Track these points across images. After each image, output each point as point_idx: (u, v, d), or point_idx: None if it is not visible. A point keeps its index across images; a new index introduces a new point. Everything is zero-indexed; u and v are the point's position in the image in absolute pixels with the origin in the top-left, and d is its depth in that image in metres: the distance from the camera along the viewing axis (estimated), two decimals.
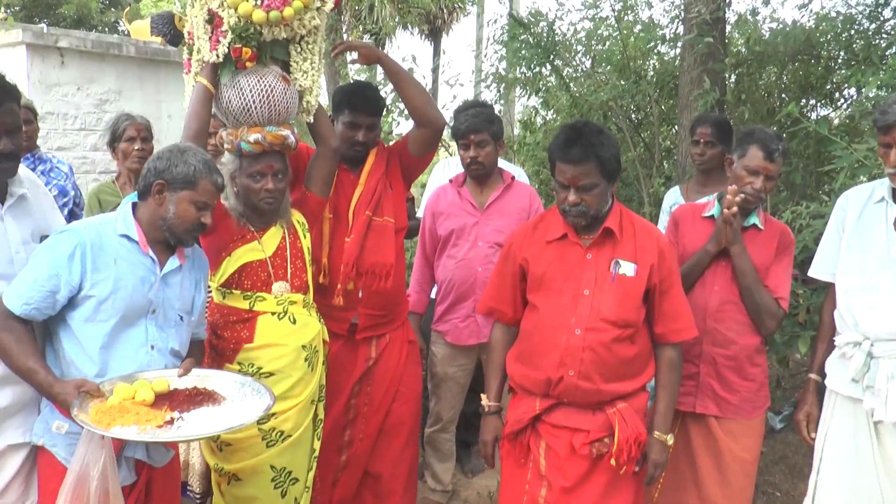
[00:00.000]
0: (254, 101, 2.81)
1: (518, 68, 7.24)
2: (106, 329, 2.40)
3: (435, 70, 20.69)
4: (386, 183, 3.44)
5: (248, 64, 2.77)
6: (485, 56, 8.06)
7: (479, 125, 3.75)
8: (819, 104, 6.38)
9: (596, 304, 2.65)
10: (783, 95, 6.20)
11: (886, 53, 5.36)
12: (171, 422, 2.27)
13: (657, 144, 6.46)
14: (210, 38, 2.76)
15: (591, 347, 2.62)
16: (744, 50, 6.33)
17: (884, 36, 5.51)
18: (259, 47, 2.79)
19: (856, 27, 5.80)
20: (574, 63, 7.33)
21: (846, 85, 5.89)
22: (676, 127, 6.20)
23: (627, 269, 2.67)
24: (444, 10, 23.22)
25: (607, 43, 7.23)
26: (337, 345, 3.28)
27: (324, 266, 3.29)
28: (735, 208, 2.93)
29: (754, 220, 3.12)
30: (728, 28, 6.44)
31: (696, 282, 3.11)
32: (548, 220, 2.84)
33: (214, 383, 2.53)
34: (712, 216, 3.15)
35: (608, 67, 7.15)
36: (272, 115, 2.85)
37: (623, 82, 6.63)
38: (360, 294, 3.33)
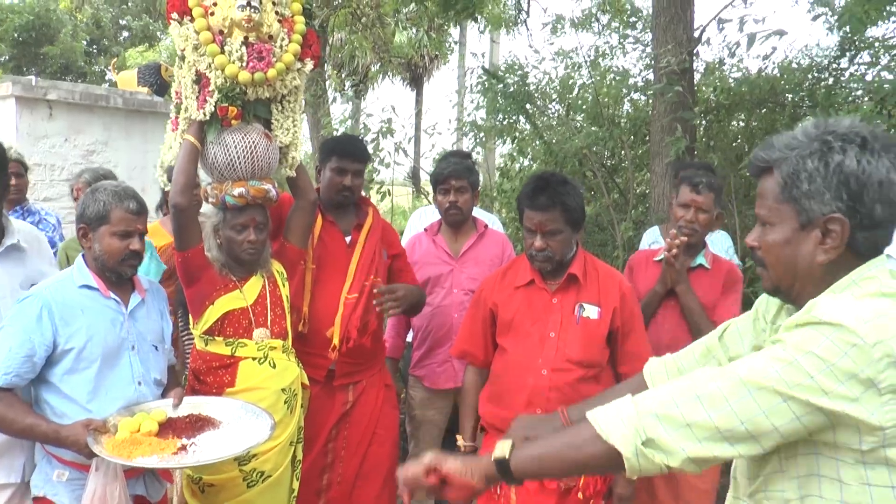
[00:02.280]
0: (238, 157, 2.93)
1: (494, 117, 7.44)
2: (91, 375, 2.50)
3: (418, 115, 21.02)
4: (382, 245, 3.59)
5: (233, 122, 2.91)
6: (462, 105, 8.26)
7: (460, 172, 3.88)
8: None
9: (562, 345, 2.79)
10: (752, 141, 6.41)
11: (847, 100, 5.60)
12: (183, 448, 2.42)
13: (631, 189, 6.65)
14: (197, 97, 2.90)
15: (557, 387, 2.75)
16: (713, 98, 6.55)
17: (842, 85, 5.74)
18: (243, 106, 2.93)
19: (816, 76, 6.05)
20: (549, 111, 7.55)
21: None
22: (649, 173, 6.38)
23: (591, 312, 2.83)
24: (426, 58, 23.55)
25: (580, 91, 7.45)
26: (315, 389, 3.35)
27: (304, 315, 3.38)
28: (675, 251, 3.13)
29: (701, 260, 3.32)
30: (697, 77, 6.69)
31: (650, 321, 3.26)
32: (516, 266, 3.00)
33: (208, 409, 2.69)
34: (662, 260, 3.30)
35: (582, 115, 7.38)
36: (255, 170, 2.98)
37: (596, 129, 6.84)
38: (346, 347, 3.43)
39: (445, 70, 24.26)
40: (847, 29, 5.56)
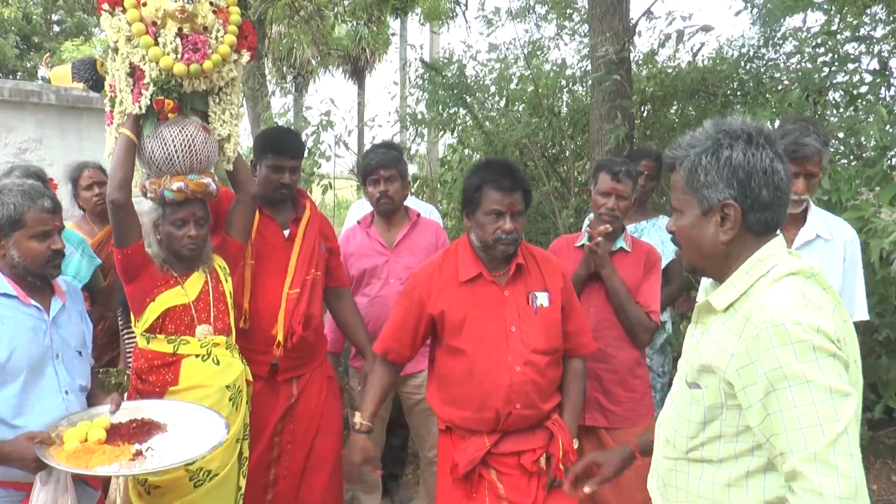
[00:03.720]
0: (176, 151, 2.90)
1: (435, 109, 7.47)
2: (15, 390, 2.39)
3: (360, 108, 20.88)
4: (320, 238, 3.58)
5: (169, 115, 2.87)
6: (404, 97, 8.27)
7: (388, 161, 3.93)
8: None
9: (525, 338, 2.79)
10: (688, 129, 6.55)
11: (776, 89, 5.78)
12: (139, 453, 2.38)
13: (572, 178, 6.76)
14: (132, 90, 2.86)
15: (532, 379, 2.77)
16: (649, 88, 6.69)
17: (769, 75, 5.92)
18: (180, 99, 2.89)
19: (745, 66, 6.23)
20: (489, 103, 7.60)
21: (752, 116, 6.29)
22: (589, 161, 6.50)
23: (543, 299, 2.85)
24: (367, 51, 23.44)
25: (520, 82, 7.53)
26: (258, 385, 3.34)
27: (245, 312, 3.37)
28: (599, 238, 3.20)
29: (621, 243, 3.41)
30: (635, 67, 6.82)
31: None
32: (451, 260, 2.90)
33: (149, 413, 2.66)
34: (583, 245, 3.37)
35: (522, 106, 7.46)
36: (194, 163, 2.95)
37: (536, 119, 6.93)
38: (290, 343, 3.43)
39: (388, 62, 24.11)
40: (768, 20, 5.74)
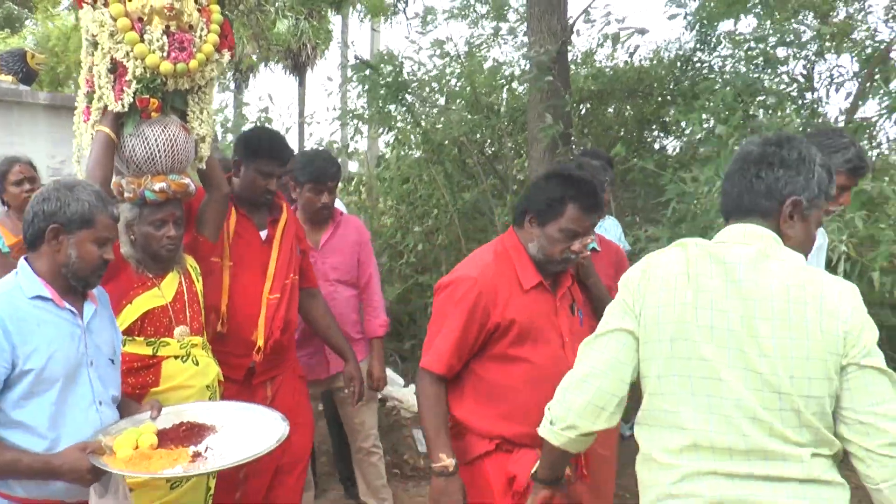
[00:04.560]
0: (159, 151, 2.84)
1: (374, 106, 7.45)
2: (52, 398, 2.24)
3: (301, 104, 20.70)
4: (296, 240, 3.56)
5: (153, 114, 2.82)
6: (345, 94, 8.22)
7: (337, 173, 3.93)
8: (660, 136, 6.91)
9: (575, 349, 2.61)
10: (624, 129, 6.66)
11: (711, 90, 5.89)
12: (198, 455, 2.30)
13: (510, 176, 6.79)
14: (113, 87, 2.78)
15: None
16: (587, 87, 6.76)
17: (704, 76, 6.04)
18: (162, 98, 2.84)
19: (680, 67, 6.35)
20: (429, 100, 7.61)
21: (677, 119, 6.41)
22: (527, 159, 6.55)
23: (579, 311, 2.81)
24: (308, 46, 23.23)
25: (458, 80, 7.55)
26: (234, 388, 3.30)
27: (223, 315, 3.31)
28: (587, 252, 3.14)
29: (593, 244, 3.41)
30: (574, 66, 6.90)
31: None
32: (506, 265, 2.67)
33: (192, 416, 2.58)
34: None
35: (462, 103, 7.47)
36: (175, 163, 2.89)
37: (474, 117, 6.95)
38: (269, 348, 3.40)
39: (329, 58, 23.93)
40: (704, 22, 5.88)
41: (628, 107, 6.64)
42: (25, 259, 2.35)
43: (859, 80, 5.43)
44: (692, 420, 1.83)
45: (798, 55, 5.61)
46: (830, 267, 3.56)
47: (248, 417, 2.64)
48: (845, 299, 1.76)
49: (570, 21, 6.08)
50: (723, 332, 1.80)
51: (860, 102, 5.36)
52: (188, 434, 2.45)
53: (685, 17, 6.28)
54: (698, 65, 6.42)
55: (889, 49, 5.17)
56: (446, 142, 6.79)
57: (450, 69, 7.63)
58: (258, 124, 6.70)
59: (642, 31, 5.76)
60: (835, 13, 6.16)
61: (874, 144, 5.31)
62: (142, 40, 2.73)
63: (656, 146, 6.82)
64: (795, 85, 5.61)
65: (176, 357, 2.94)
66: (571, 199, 2.57)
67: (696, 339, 1.83)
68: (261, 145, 3.44)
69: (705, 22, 6.10)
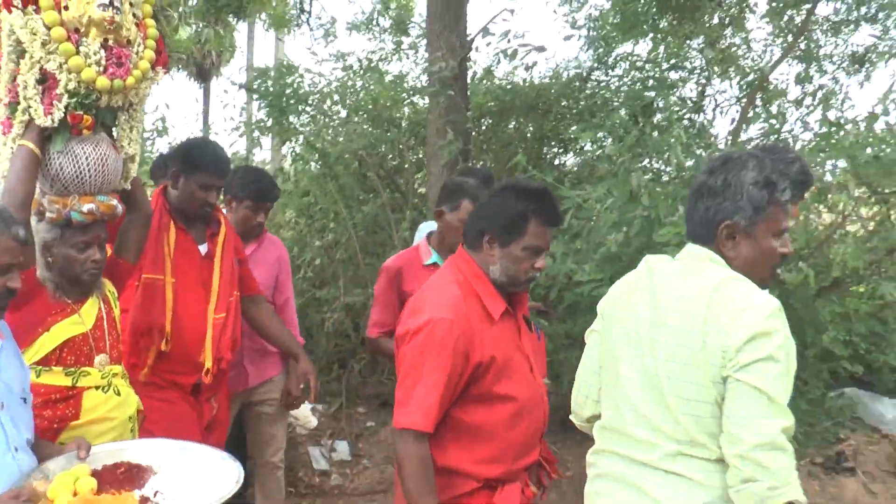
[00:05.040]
0: (89, 170, 2.65)
1: (274, 117, 7.34)
2: None
3: (205, 114, 20.27)
4: (235, 254, 3.46)
5: (84, 131, 2.63)
6: (250, 104, 8.06)
7: (277, 195, 3.93)
8: (560, 151, 7.02)
9: (538, 368, 2.59)
10: (524, 145, 6.73)
11: (608, 109, 6.05)
12: (146, 500, 2.09)
13: (410, 190, 6.78)
14: (42, 100, 2.58)
15: (546, 410, 2.59)
16: (486, 103, 6.82)
17: (602, 97, 6.19)
18: (95, 114, 2.66)
19: (578, 86, 6.49)
20: (329, 113, 7.54)
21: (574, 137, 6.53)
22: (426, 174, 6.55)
23: (536, 327, 2.71)
24: (213, 54, 22.79)
25: (360, 94, 7.52)
26: (181, 405, 3.21)
27: (168, 334, 3.18)
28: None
29: None
30: (475, 82, 6.95)
31: None
32: (471, 296, 2.44)
33: (126, 455, 2.34)
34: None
35: (364, 116, 7.43)
36: (104, 183, 2.71)
37: (375, 131, 6.93)
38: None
39: (234, 66, 23.51)
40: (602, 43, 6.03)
41: (528, 123, 6.72)
42: None
43: (742, 104, 5.65)
44: (604, 406, 2.20)
45: (687, 79, 5.79)
46: None
47: (186, 457, 2.43)
48: (744, 317, 1.87)
49: (470, 38, 6.12)
50: (633, 335, 2.08)
51: (744, 126, 5.57)
52: (128, 476, 2.24)
53: (580, 38, 6.43)
54: (595, 84, 6.56)
55: (768, 75, 5.40)
56: (346, 155, 6.73)
57: (351, 82, 7.59)
58: (155, 133, 6.49)
59: (540, 49, 5.85)
60: (723, 41, 6.41)
61: None
62: (77, 52, 2.55)
63: (556, 162, 6.93)
64: (686, 107, 5.79)
65: (97, 388, 2.76)
66: (533, 213, 2.38)
67: (616, 339, 2.14)
68: (203, 158, 3.32)
69: (602, 43, 6.25)
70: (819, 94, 5.65)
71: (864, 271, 4.83)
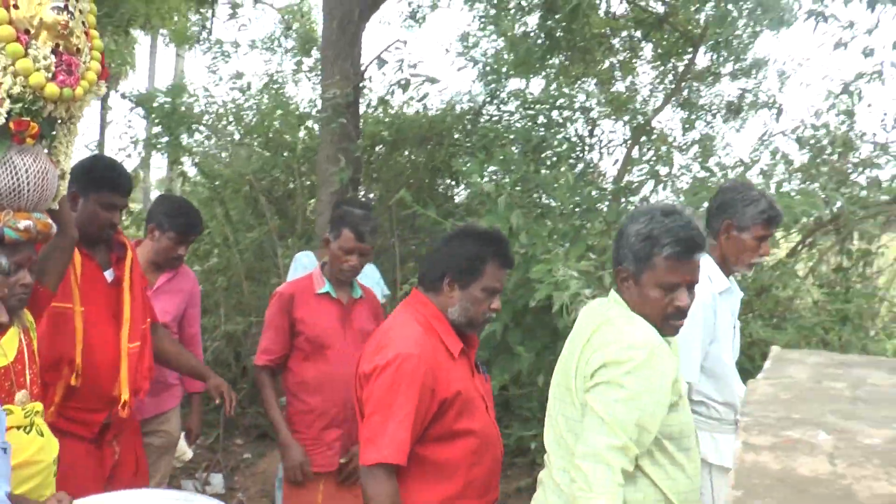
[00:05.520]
0: (28, 184, 2.41)
1: (165, 136, 7.14)
2: None
3: (102, 129, 19.58)
4: (145, 281, 3.31)
5: (27, 140, 2.41)
6: (129, 122, 7.79)
7: (202, 229, 3.90)
8: (452, 184, 7.05)
9: (490, 406, 2.65)
10: (415, 176, 6.72)
11: (499, 144, 6.11)
12: None
13: (301, 216, 6.68)
14: None
15: None
16: (379, 132, 6.81)
17: (495, 131, 6.25)
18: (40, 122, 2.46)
19: (472, 120, 6.55)
20: (223, 133, 7.39)
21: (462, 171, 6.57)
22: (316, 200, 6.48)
23: (483, 368, 2.73)
24: (111, 65, 22.13)
25: (255, 116, 7.40)
26: (82, 449, 2.96)
27: (78, 367, 2.93)
28: None
29: (360, 291, 3.49)
30: (370, 110, 6.93)
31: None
32: (434, 338, 2.51)
33: None
34: (327, 293, 3.39)
35: (258, 138, 7.31)
36: (41, 200, 2.48)
37: (268, 154, 6.82)
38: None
39: (133, 79, 22.85)
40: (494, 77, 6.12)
41: (420, 154, 6.73)
42: None
43: (627, 146, 5.81)
44: None
45: (576, 119, 5.92)
46: None
47: None
48: (605, 349, 2.09)
49: (363, 67, 6.11)
50: (561, 359, 2.30)
51: (628, 167, 5.72)
52: None
53: (474, 67, 6.49)
54: (488, 118, 6.63)
55: (651, 120, 5.56)
56: (236, 178, 6.60)
57: (247, 103, 7.47)
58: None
59: (433, 80, 5.89)
60: (612, 83, 6.60)
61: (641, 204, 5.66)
62: (26, 55, 2.34)
63: (449, 194, 6.95)
64: (575, 146, 5.90)
65: (19, 427, 2.48)
66: (492, 256, 2.50)
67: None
68: (104, 175, 3.13)
69: (495, 78, 6.34)
70: (697, 139, 5.87)
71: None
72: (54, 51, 2.41)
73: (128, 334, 3.08)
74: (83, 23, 2.51)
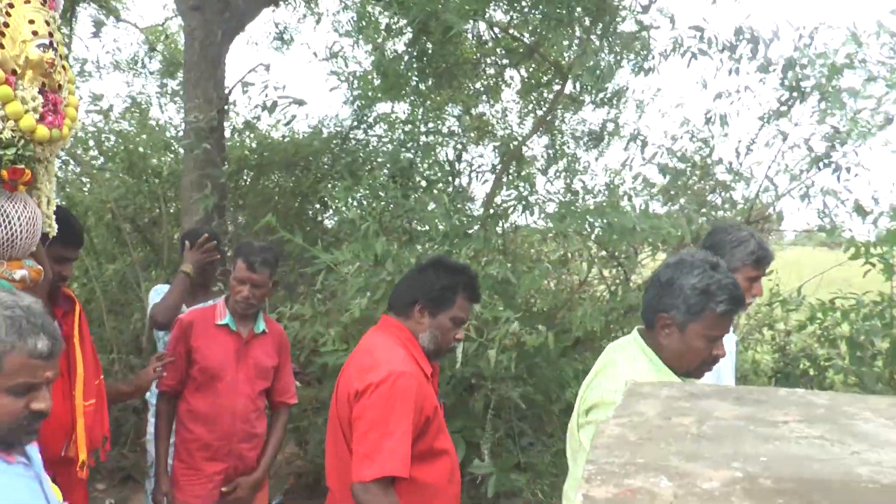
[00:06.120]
0: (21, 232, 2.27)
1: None
2: None
3: None
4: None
5: (20, 188, 2.24)
6: None
7: None
8: (320, 209, 6.92)
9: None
10: (283, 201, 6.58)
11: (367, 169, 6.05)
12: None
13: (168, 245, 6.40)
14: None
15: None
16: (246, 157, 6.64)
17: (363, 155, 6.21)
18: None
19: (340, 145, 6.48)
20: (84, 159, 7.03)
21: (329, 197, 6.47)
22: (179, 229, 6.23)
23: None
24: None
25: (118, 140, 7.08)
26: None
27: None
28: None
29: (263, 326, 3.46)
30: (236, 135, 6.75)
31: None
32: (411, 355, 2.60)
33: None
34: (226, 325, 3.40)
35: (121, 163, 6.99)
36: (29, 247, 2.35)
37: (131, 180, 6.53)
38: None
39: None
40: (359, 104, 6.08)
41: (288, 179, 6.60)
42: None
43: (496, 171, 5.86)
44: None
45: (445, 143, 5.94)
46: None
47: None
48: (599, 383, 2.22)
49: (227, 90, 5.94)
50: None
51: (497, 191, 5.77)
52: None
53: (343, 87, 6.44)
54: (355, 142, 6.58)
55: (521, 146, 5.64)
56: (99, 204, 6.26)
57: (108, 126, 7.13)
58: None
59: (300, 103, 5.78)
60: (480, 109, 6.67)
61: (508, 230, 5.69)
62: (14, 97, 2.17)
63: (319, 219, 6.83)
64: (444, 171, 5.91)
65: None
66: (463, 289, 2.63)
67: None
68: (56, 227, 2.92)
69: (363, 102, 6.29)
70: (562, 165, 5.99)
71: (604, 330, 5.14)
72: (40, 90, 2.28)
73: (82, 391, 2.93)
74: (60, 56, 2.38)
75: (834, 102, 4.79)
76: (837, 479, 0.99)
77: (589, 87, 5.87)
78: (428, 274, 2.70)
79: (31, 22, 2.25)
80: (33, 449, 2.00)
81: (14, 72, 2.26)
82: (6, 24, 2.24)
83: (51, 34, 2.28)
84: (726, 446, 1.17)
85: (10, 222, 2.34)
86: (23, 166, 2.27)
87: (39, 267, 2.47)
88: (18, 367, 1.75)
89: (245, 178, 6.58)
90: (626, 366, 2.23)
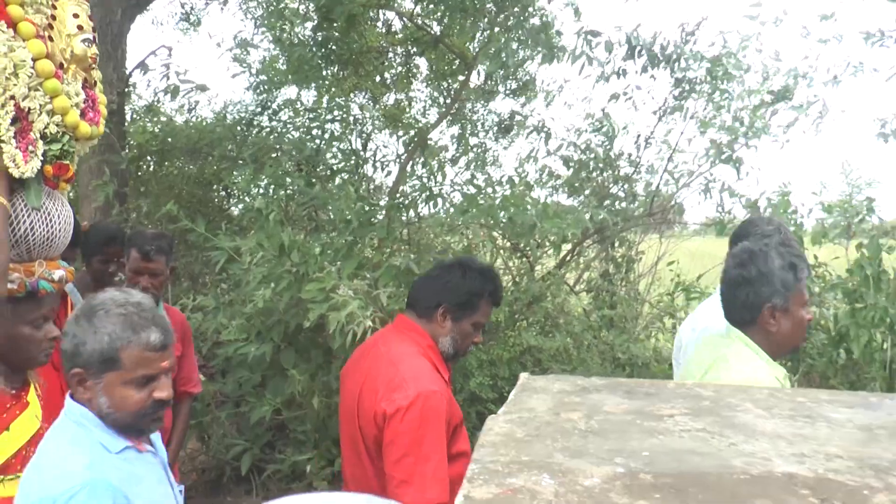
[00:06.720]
0: (60, 231, 2.22)
1: None
2: None
3: None
4: None
5: (62, 186, 2.18)
6: None
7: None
8: (225, 196, 6.80)
9: None
10: (186, 188, 6.43)
11: (271, 156, 5.97)
12: None
13: None
14: (17, 144, 2.02)
15: None
16: (146, 142, 6.46)
17: (267, 142, 6.12)
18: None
19: (244, 131, 6.36)
20: None
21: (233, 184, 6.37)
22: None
23: None
24: None
25: None
26: None
27: None
28: None
29: (162, 313, 3.30)
30: (137, 119, 6.55)
31: None
32: (430, 364, 2.52)
33: None
34: None
35: None
36: (63, 247, 2.29)
37: None
38: None
39: None
40: (263, 88, 5.99)
41: (191, 166, 6.45)
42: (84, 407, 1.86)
43: (402, 160, 5.88)
44: None
45: (350, 131, 5.91)
46: None
47: None
48: (718, 376, 2.25)
49: (128, 72, 5.76)
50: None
51: (403, 181, 5.80)
52: None
53: (247, 73, 6.33)
54: (259, 129, 6.48)
55: (427, 135, 5.67)
56: None
57: None
58: None
59: (203, 88, 5.67)
60: (387, 97, 6.67)
61: (414, 219, 5.72)
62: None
63: (224, 207, 6.71)
64: (349, 159, 5.90)
65: None
66: (489, 293, 2.58)
67: None
68: None
69: (267, 87, 6.21)
70: (472, 156, 6.06)
71: (508, 320, 5.24)
72: (84, 85, 2.25)
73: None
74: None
75: (721, 96, 5.05)
76: (713, 472, 1.04)
77: (496, 78, 5.94)
78: (454, 276, 2.62)
79: (76, 16, 2.23)
80: (156, 436, 2.12)
81: (61, 65, 2.21)
82: (53, 17, 2.20)
83: (94, 29, 2.26)
84: (612, 441, 1.19)
85: (51, 221, 2.29)
86: (67, 162, 2.24)
87: (72, 268, 2.43)
88: (136, 360, 1.85)
89: (147, 164, 6.40)
90: (740, 363, 2.29)
